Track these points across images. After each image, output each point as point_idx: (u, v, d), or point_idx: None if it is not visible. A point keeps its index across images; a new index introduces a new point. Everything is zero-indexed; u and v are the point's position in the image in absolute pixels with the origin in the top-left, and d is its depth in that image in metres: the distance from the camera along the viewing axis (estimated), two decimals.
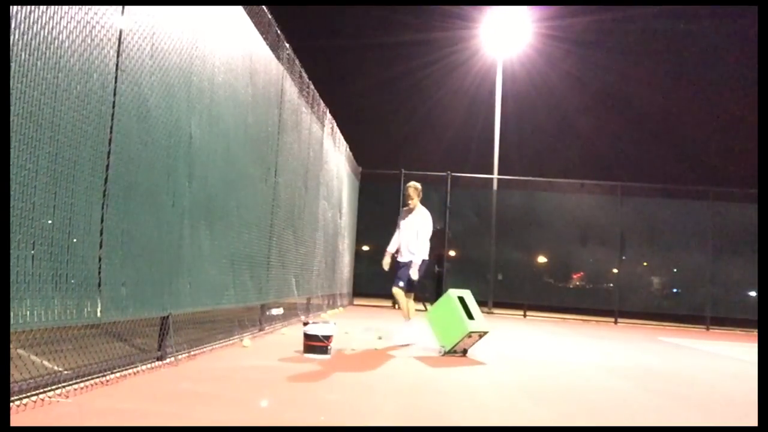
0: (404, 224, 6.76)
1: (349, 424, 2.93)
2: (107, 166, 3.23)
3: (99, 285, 3.19)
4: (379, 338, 6.70)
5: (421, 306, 9.14)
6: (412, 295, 6.77)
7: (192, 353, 4.64)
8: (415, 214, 6.73)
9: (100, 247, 3.19)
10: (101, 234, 3.20)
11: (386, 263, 6.81)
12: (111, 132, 3.25)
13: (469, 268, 15.28)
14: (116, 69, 3.28)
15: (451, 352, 5.78)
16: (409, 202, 6.75)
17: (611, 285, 15.55)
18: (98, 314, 3.20)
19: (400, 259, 6.74)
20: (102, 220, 3.19)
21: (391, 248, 6.84)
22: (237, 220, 5.51)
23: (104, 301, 3.25)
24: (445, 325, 5.85)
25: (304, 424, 2.86)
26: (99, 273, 3.18)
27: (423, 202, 6.82)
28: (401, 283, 6.57)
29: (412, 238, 6.64)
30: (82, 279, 3.04)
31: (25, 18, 2.53)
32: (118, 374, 3.56)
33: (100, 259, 3.18)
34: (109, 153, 3.23)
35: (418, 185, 6.80)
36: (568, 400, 4.03)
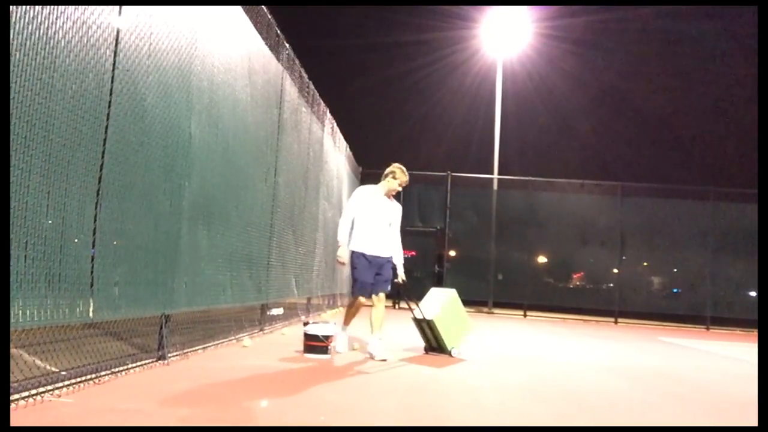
0: (378, 211, 5.43)
1: (349, 424, 2.92)
2: (101, 165, 3.22)
3: (91, 284, 3.18)
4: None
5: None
6: (383, 297, 5.49)
7: (192, 353, 4.63)
8: (394, 204, 5.58)
9: (93, 246, 3.18)
10: (94, 233, 3.19)
11: (346, 256, 5.42)
12: (106, 132, 3.24)
13: (469, 268, 15.28)
14: (113, 69, 3.27)
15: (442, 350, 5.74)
16: (396, 187, 5.48)
17: (611, 285, 15.55)
18: (90, 314, 3.19)
19: (371, 252, 5.36)
20: (95, 220, 3.18)
21: (344, 238, 5.39)
22: (236, 219, 5.49)
23: (96, 300, 3.24)
24: (457, 325, 5.79)
25: (304, 424, 2.85)
26: (91, 272, 3.17)
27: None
28: (389, 287, 5.49)
29: (388, 230, 5.46)
30: (75, 278, 3.03)
31: (20, 18, 2.51)
32: (118, 374, 3.55)
33: (92, 259, 3.17)
34: (103, 153, 3.22)
35: None
36: (568, 400, 4.02)
